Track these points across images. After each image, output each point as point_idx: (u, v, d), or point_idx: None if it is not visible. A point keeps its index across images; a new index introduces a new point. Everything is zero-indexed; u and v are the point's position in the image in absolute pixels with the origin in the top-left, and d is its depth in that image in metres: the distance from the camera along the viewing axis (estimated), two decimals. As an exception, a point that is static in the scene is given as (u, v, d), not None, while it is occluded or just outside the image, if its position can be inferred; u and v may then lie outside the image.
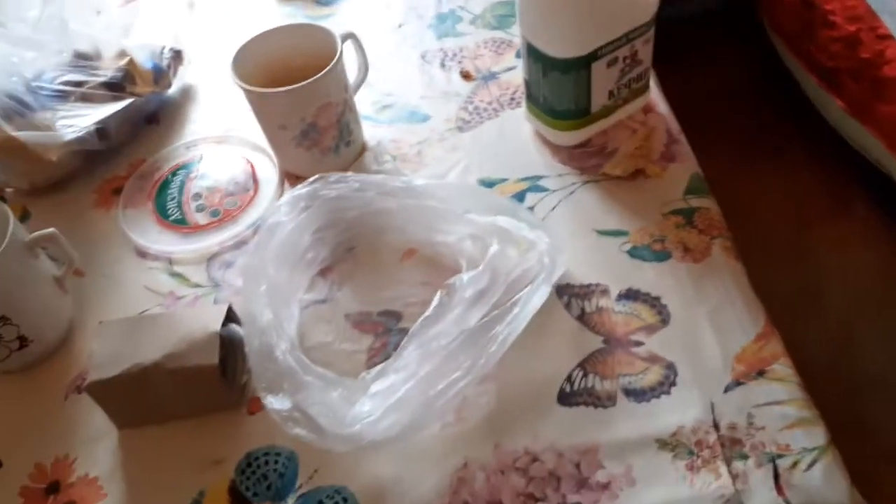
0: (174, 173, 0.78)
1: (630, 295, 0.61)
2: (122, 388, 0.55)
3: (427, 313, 0.55)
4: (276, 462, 0.55)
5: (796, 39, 1.34)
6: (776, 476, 0.50)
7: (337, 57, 0.67)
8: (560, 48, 0.65)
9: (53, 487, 0.56)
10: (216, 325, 0.56)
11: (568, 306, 0.61)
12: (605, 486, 0.51)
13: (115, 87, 0.77)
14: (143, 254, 0.71)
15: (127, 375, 0.54)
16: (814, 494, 0.49)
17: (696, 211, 0.67)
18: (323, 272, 0.67)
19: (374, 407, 0.52)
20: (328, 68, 0.66)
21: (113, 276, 0.70)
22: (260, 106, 0.70)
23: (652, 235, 0.65)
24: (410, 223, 0.65)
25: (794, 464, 0.50)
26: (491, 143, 0.76)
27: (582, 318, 0.60)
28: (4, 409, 0.62)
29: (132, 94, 0.78)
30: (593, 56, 0.65)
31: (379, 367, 0.54)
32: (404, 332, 0.61)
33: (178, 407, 0.57)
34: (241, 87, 0.67)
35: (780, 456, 0.51)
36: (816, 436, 0.52)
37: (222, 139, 0.81)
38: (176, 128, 0.84)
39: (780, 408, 0.53)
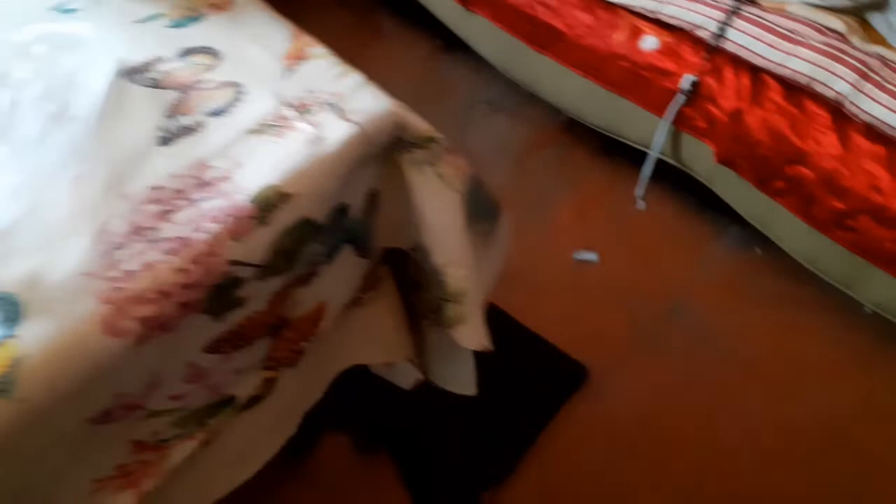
0: None
1: (188, 52, 0.69)
2: None
3: None
4: None
5: None
6: (340, 113, 0.64)
7: None
8: None
9: None
10: None
11: (138, 82, 0.67)
12: (224, 178, 0.60)
13: None
14: None
15: None
16: (368, 111, 0.64)
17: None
18: None
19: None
20: None
21: None
22: None
23: (184, 7, 0.73)
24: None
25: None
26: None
27: (157, 84, 0.66)
28: None
29: None
30: None
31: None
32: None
33: None
34: None
35: (335, 101, 0.65)
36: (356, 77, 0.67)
37: None
38: None
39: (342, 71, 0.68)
